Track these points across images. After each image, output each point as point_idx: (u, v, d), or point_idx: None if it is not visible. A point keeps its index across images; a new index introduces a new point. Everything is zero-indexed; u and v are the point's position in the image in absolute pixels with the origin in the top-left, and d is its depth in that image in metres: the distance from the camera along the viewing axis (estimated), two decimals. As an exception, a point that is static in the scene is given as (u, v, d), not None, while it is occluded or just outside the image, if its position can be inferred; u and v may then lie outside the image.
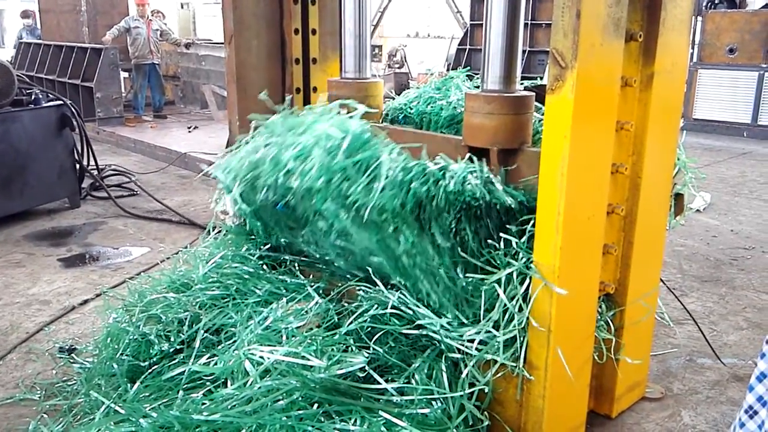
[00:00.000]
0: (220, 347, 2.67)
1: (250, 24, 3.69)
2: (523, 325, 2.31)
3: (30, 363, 3.29)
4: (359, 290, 2.68)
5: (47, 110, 5.99)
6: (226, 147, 8.06)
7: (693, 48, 10.95)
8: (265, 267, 3.15)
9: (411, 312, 2.49)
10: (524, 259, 2.34)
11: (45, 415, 2.77)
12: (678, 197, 2.89)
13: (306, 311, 2.65)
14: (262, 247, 3.24)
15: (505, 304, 2.31)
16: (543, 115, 2.23)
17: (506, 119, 2.59)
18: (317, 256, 3.02)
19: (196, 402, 2.33)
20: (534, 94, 2.71)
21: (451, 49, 15.58)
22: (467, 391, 2.34)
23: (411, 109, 3.34)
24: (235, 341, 2.58)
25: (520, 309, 2.30)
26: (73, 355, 3.29)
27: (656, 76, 2.45)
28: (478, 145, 2.69)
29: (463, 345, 2.34)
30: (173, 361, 2.74)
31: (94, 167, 6.73)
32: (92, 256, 4.95)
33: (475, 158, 2.53)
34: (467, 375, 2.35)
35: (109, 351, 2.94)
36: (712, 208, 6.35)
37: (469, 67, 3.79)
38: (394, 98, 3.59)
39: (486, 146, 2.65)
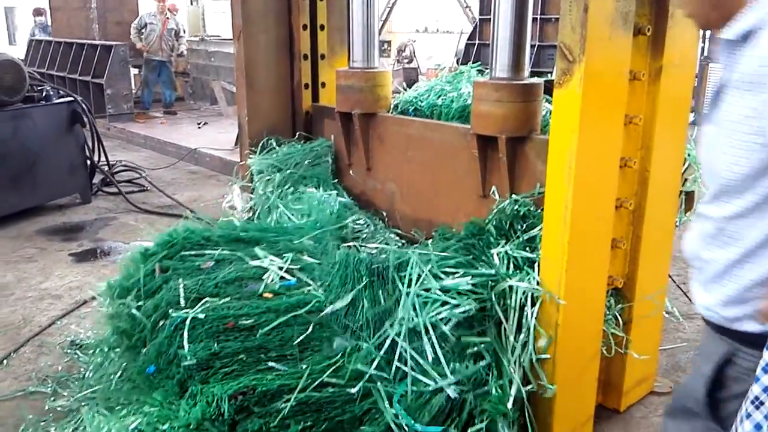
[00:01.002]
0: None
1: (258, 20, 3.71)
2: (532, 325, 2.31)
3: (42, 356, 3.33)
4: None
5: (58, 107, 6.04)
6: (235, 143, 8.10)
7: (704, 42, 10.85)
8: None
9: None
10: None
11: (59, 408, 2.81)
12: (688, 194, 2.88)
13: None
14: None
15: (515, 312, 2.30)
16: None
17: (515, 107, 2.60)
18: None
19: None
20: (542, 81, 2.71)
21: (460, 44, 15.51)
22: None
23: (422, 102, 3.35)
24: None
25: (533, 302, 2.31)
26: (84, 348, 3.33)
27: (665, 69, 2.45)
28: (486, 133, 2.69)
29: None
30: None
31: (105, 163, 6.78)
32: (103, 251, 4.99)
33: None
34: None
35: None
36: (723, 203, 6.30)
37: (479, 62, 3.80)
38: (404, 92, 3.61)
39: (494, 134, 2.65)
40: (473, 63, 3.70)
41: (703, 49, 10.82)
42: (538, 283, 2.31)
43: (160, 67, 11.21)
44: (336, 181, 3.68)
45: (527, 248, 2.44)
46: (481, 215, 2.70)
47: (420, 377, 2.11)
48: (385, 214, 3.49)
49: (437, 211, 3.16)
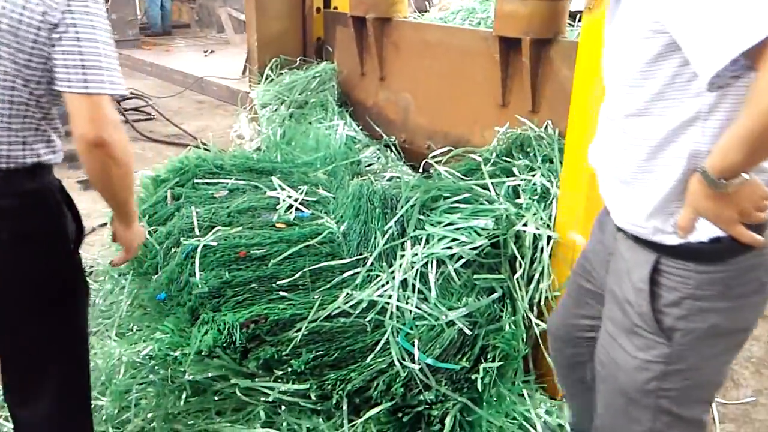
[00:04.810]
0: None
1: (270, -61, 3.56)
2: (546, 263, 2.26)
3: (52, 282, 3.32)
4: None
5: (62, 30, 5.88)
6: (243, 72, 7.93)
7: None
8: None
9: None
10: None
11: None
12: None
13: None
14: None
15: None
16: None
17: (541, 6, 2.49)
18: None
19: None
20: None
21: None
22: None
23: (446, 22, 3.25)
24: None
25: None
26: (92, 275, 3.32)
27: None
28: (509, 35, 2.59)
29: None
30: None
31: (111, 89, 6.66)
32: (110, 179, 4.95)
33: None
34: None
35: None
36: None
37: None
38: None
39: (518, 36, 2.54)
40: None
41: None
42: (552, 219, 2.26)
43: None
44: (344, 102, 3.60)
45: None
46: (500, 125, 2.65)
47: (427, 310, 2.09)
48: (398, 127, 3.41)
49: (454, 122, 3.08)
